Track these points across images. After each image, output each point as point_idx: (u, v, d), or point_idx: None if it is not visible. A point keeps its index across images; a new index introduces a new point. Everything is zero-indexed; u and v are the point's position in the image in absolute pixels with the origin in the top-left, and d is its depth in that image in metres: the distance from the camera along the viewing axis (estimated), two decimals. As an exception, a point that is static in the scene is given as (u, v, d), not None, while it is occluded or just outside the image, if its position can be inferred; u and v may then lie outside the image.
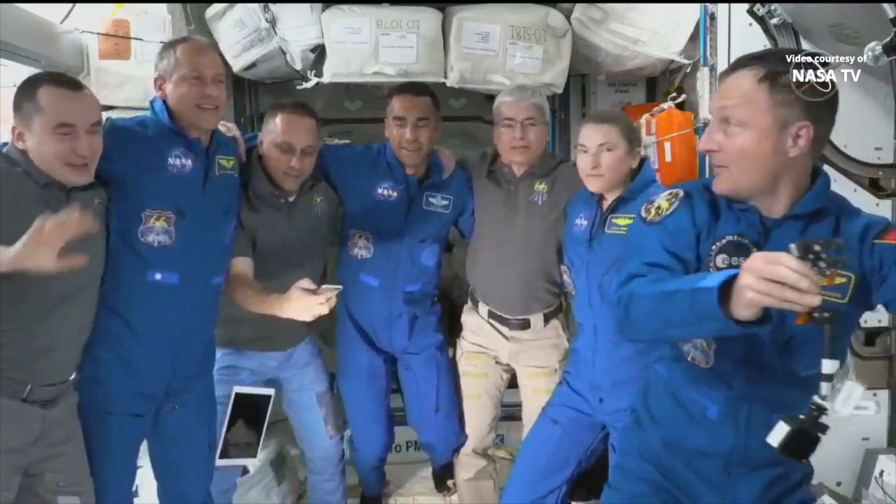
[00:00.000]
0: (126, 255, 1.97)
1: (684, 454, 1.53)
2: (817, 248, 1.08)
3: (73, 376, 1.92)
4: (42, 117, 1.72)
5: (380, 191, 2.51)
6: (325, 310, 1.92)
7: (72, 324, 1.86)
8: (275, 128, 2.26)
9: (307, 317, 1.93)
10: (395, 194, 2.51)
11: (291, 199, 2.36)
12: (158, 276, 2.00)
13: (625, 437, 1.73)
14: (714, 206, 1.44)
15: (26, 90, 1.76)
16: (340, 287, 1.98)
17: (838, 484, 2.42)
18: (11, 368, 1.73)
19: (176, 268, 2.02)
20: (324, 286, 1.96)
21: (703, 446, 1.50)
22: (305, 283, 1.95)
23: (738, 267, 1.22)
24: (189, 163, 2.04)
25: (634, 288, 1.30)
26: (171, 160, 2.01)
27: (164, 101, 2.03)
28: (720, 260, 1.39)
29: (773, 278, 1.04)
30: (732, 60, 1.41)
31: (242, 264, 2.23)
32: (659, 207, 1.47)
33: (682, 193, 1.48)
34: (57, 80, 1.78)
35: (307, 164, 2.30)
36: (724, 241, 1.40)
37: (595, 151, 2.13)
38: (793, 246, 1.09)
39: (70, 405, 1.89)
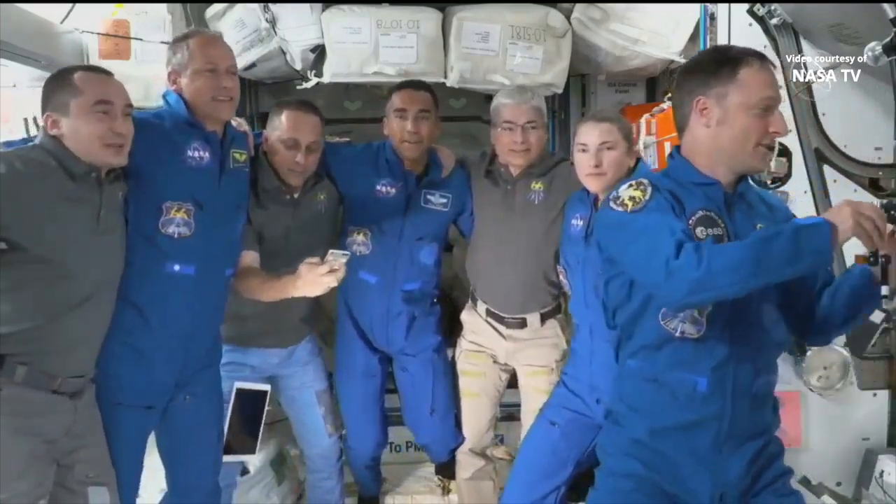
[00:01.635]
0: (144, 247, 1.98)
1: (674, 436, 1.56)
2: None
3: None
4: (80, 97, 1.77)
5: (379, 188, 2.51)
6: (333, 281, 1.95)
7: (97, 317, 1.89)
8: (280, 125, 2.29)
9: (318, 291, 1.97)
10: (393, 191, 2.51)
11: (296, 195, 2.38)
12: (177, 268, 2.02)
13: (604, 439, 1.74)
14: (671, 191, 1.56)
15: (58, 80, 1.80)
16: (349, 254, 1.99)
17: (838, 484, 2.42)
18: (43, 361, 1.75)
19: (193, 259, 2.04)
20: (331, 251, 1.98)
21: (694, 419, 1.55)
22: (313, 259, 1.98)
23: (714, 236, 1.51)
24: (206, 155, 2.06)
25: (708, 248, 1.39)
26: (189, 152, 2.03)
27: (180, 95, 2.04)
28: (699, 231, 1.52)
29: (866, 213, 1.32)
30: (758, 52, 1.54)
31: (249, 257, 2.25)
32: (633, 198, 1.52)
33: (647, 182, 1.55)
34: (90, 68, 1.89)
35: (311, 161, 2.32)
36: (697, 216, 1.53)
37: (596, 150, 2.13)
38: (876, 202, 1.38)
39: (91, 397, 1.92)
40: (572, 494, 2.38)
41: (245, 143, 2.26)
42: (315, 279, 1.95)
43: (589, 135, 2.15)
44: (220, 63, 2.02)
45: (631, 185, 1.55)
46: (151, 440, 2.16)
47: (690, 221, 1.53)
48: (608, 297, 1.69)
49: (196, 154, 2.04)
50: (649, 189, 1.52)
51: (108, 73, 1.88)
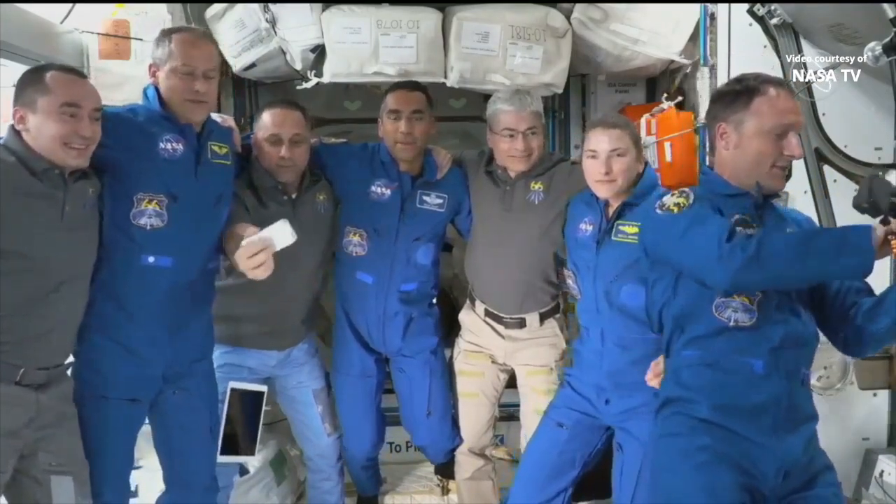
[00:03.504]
0: (119, 239, 1.99)
1: (738, 414, 1.64)
2: None
3: (67, 360, 1.94)
4: (48, 96, 1.76)
5: (374, 188, 2.51)
6: (258, 272, 1.90)
7: (66, 309, 1.88)
8: (263, 124, 2.34)
9: (243, 268, 1.92)
10: (388, 192, 2.51)
11: (294, 195, 2.39)
12: (151, 260, 2.02)
13: (666, 425, 1.75)
14: (709, 199, 1.71)
15: (32, 75, 1.80)
16: (286, 221, 1.93)
17: (838, 484, 2.41)
18: (6, 352, 1.75)
19: (169, 251, 2.03)
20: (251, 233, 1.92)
21: (754, 402, 1.63)
22: (250, 230, 1.94)
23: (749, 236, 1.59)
24: (180, 147, 2.05)
25: (762, 236, 1.54)
26: (162, 144, 2.03)
27: (157, 88, 2.05)
28: (737, 231, 1.65)
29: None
30: (778, 79, 1.71)
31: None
32: (678, 203, 1.69)
33: (689, 191, 1.72)
34: (64, 68, 1.86)
35: (298, 154, 2.34)
36: (734, 219, 1.66)
37: (606, 157, 2.12)
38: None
39: (63, 390, 1.90)
40: (579, 495, 2.38)
41: (228, 138, 2.27)
42: (241, 258, 1.91)
43: (599, 141, 2.14)
44: (197, 65, 2.02)
45: (674, 194, 1.71)
46: (150, 441, 2.17)
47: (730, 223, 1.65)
48: (653, 301, 1.80)
49: (169, 146, 2.03)
50: (692, 195, 1.69)
51: (81, 76, 1.88)
